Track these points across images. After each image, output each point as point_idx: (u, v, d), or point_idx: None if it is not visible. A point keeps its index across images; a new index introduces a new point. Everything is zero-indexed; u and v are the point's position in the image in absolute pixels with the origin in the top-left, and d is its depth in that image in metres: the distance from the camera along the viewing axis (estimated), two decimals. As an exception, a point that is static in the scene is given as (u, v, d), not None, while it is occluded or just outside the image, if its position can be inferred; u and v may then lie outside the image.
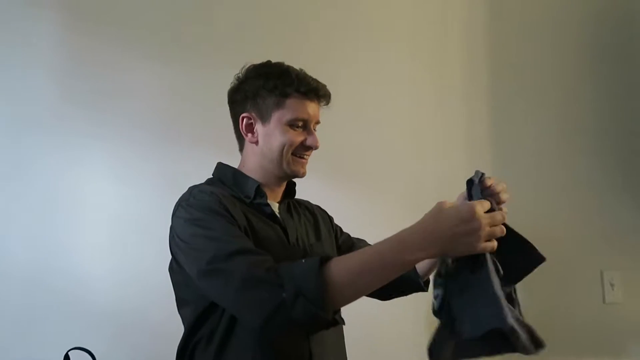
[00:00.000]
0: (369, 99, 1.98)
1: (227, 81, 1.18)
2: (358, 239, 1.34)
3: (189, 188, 1.10)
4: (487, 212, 0.86)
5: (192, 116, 1.82)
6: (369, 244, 1.15)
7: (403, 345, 1.84)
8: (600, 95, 2.09)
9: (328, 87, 1.15)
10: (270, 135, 1.11)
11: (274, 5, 1.95)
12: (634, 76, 2.10)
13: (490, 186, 0.96)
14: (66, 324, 1.63)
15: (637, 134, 2.07)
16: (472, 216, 0.84)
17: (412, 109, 2.02)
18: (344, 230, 1.36)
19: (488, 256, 0.87)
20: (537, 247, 0.95)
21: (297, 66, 1.14)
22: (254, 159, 1.14)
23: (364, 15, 2.03)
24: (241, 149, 1.19)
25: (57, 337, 1.54)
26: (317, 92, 1.12)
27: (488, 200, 0.89)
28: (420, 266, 1.21)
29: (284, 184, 1.20)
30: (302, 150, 1.12)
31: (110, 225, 1.72)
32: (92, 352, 1.41)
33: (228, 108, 1.19)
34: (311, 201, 1.33)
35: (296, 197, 1.26)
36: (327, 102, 1.15)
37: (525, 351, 0.84)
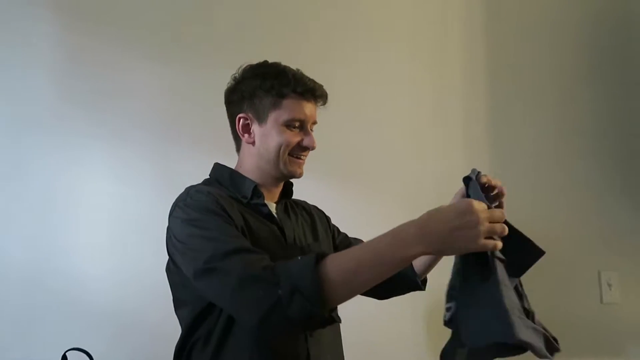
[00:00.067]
0: (368, 99, 1.98)
1: (227, 81, 1.18)
2: (355, 239, 1.33)
3: (186, 188, 1.10)
4: None
5: (192, 116, 1.82)
6: (367, 244, 1.15)
7: (401, 344, 1.85)
8: (598, 97, 2.09)
9: (327, 87, 1.14)
10: (267, 136, 1.10)
11: (274, 5, 1.95)
12: (632, 77, 2.09)
13: (486, 183, 0.96)
14: (65, 324, 1.64)
15: (635, 135, 2.07)
16: (469, 209, 0.82)
17: (412, 109, 2.02)
18: (342, 230, 1.36)
19: (497, 263, 0.85)
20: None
21: (297, 66, 1.14)
22: (250, 160, 1.14)
23: (364, 15, 2.03)
24: (238, 149, 1.19)
25: (56, 337, 1.55)
26: (313, 92, 1.11)
27: (485, 204, 0.87)
28: (418, 264, 1.21)
29: (281, 185, 1.19)
30: (298, 150, 1.12)
31: (109, 225, 1.72)
32: (91, 352, 1.42)
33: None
34: (309, 201, 1.33)
35: (294, 197, 1.25)
36: (324, 103, 1.15)
37: (539, 355, 0.83)
